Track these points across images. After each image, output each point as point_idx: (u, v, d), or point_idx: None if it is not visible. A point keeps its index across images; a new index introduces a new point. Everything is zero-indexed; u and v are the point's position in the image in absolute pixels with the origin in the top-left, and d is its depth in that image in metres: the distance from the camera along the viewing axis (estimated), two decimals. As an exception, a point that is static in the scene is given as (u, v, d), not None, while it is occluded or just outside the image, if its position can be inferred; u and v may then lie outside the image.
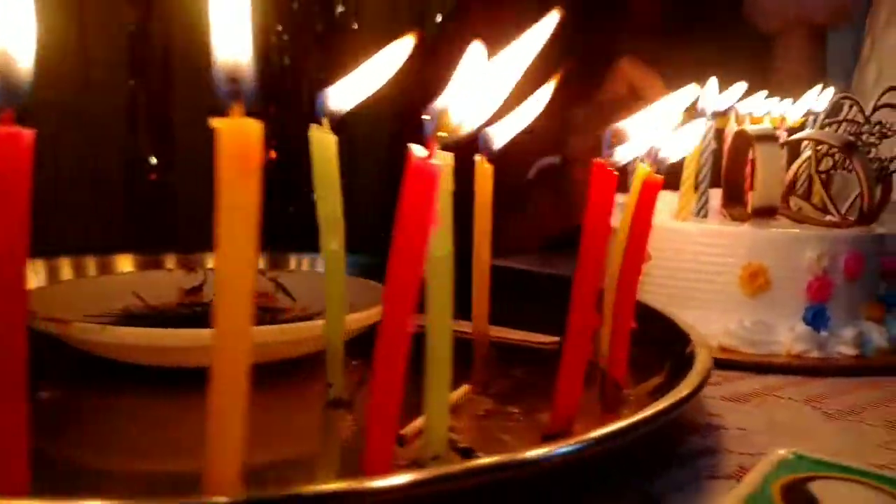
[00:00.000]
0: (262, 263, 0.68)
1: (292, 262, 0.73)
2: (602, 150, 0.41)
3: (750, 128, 0.71)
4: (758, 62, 0.96)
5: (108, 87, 0.91)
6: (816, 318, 0.61)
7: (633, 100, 0.72)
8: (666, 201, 0.66)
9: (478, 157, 0.45)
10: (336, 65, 0.40)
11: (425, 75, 0.42)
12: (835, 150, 0.66)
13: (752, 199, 0.63)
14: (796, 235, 0.62)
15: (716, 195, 0.69)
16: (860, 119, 0.67)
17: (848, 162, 0.67)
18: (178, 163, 0.96)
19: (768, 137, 0.62)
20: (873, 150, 0.67)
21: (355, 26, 1.06)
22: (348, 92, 0.39)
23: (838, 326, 0.61)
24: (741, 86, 0.71)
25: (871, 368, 0.59)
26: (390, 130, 1.05)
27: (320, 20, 1.01)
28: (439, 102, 0.31)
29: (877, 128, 0.67)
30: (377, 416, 0.29)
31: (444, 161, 0.30)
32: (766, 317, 0.61)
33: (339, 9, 1.04)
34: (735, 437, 0.45)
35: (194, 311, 0.59)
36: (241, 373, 0.25)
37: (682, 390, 0.40)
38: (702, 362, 0.45)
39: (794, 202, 0.71)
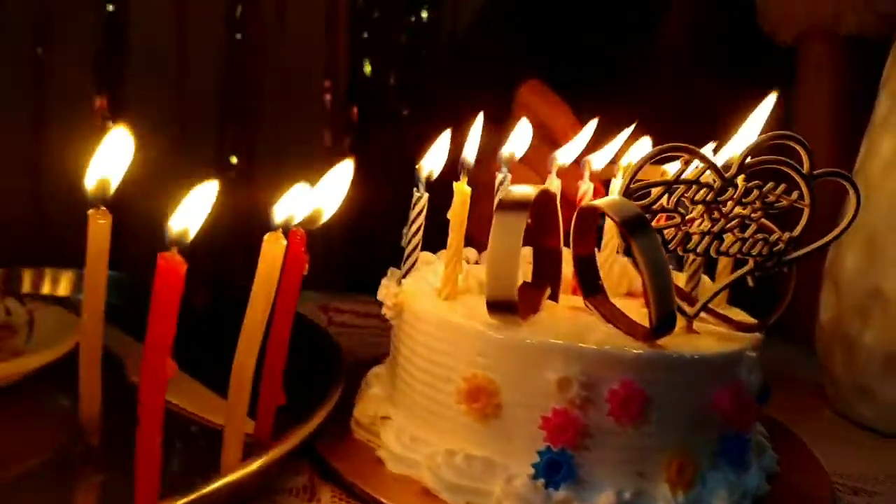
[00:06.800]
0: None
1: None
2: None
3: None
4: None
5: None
6: (551, 469, 0.41)
7: (537, 128, 0.55)
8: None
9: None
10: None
11: None
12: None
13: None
14: (536, 345, 0.42)
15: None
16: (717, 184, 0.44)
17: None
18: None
19: (514, 205, 0.43)
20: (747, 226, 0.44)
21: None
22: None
23: (590, 486, 0.41)
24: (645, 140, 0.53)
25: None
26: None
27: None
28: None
29: (754, 198, 0.44)
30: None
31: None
32: (496, 454, 0.43)
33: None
34: None
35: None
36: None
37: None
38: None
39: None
